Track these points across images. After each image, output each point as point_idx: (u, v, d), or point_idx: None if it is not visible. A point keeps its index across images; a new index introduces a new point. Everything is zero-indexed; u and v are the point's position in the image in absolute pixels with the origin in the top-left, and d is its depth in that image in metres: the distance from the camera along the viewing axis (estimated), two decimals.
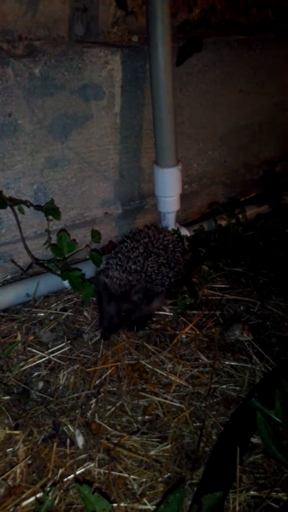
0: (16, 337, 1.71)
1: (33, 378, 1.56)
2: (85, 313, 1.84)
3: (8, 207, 1.77)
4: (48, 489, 1.20)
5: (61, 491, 1.22)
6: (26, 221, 1.90)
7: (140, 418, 1.42)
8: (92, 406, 1.45)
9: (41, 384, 1.54)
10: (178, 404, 1.45)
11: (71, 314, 1.84)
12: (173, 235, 2.00)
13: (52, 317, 1.82)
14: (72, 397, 1.49)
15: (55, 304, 1.89)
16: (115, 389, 1.52)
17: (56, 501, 1.19)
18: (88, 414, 1.43)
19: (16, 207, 1.78)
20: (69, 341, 1.70)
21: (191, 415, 1.42)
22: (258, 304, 1.87)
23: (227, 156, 2.51)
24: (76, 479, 1.24)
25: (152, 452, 1.32)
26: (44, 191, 1.92)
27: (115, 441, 1.34)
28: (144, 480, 1.25)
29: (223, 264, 2.10)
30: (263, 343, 1.69)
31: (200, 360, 1.62)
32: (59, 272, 1.82)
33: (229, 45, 2.23)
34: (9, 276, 2.00)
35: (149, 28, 1.72)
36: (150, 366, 1.59)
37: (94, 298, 1.80)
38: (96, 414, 1.43)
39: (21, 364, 1.60)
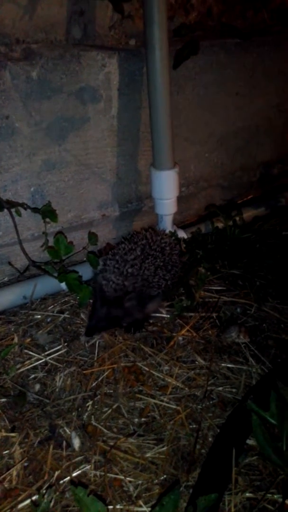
0: (13, 339, 1.71)
1: (29, 381, 1.57)
2: (82, 315, 1.84)
3: (5, 210, 1.78)
4: (44, 491, 1.20)
5: (57, 493, 1.22)
6: (23, 224, 1.91)
7: (136, 420, 1.42)
8: (89, 409, 1.46)
9: (37, 387, 1.54)
10: (174, 406, 1.46)
11: (68, 316, 1.84)
12: (171, 238, 2.00)
13: (49, 320, 1.83)
14: (68, 400, 1.49)
15: (52, 306, 1.89)
16: (112, 391, 1.52)
17: (52, 504, 1.19)
18: (85, 417, 1.43)
19: (13, 210, 1.78)
20: (66, 344, 1.70)
21: (187, 417, 1.42)
22: (255, 306, 1.88)
23: (224, 158, 2.52)
24: (71, 481, 1.24)
25: (148, 454, 1.32)
26: (42, 193, 1.93)
27: (111, 443, 1.35)
28: (140, 482, 1.25)
29: (220, 266, 2.11)
30: (260, 345, 1.70)
31: (196, 362, 1.62)
32: (56, 274, 1.83)
33: (225, 48, 2.24)
34: (6, 279, 2.00)
35: (146, 31, 1.72)
36: (146, 368, 1.59)
37: (91, 300, 1.80)
38: (92, 416, 1.43)
39: (17, 366, 1.61)
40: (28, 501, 1.20)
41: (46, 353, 1.66)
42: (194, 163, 2.40)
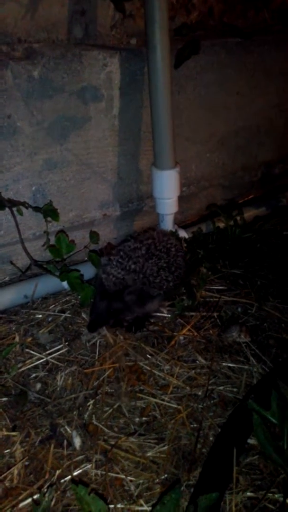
0: (14, 338, 1.71)
1: (30, 380, 1.57)
2: (83, 315, 1.84)
3: (7, 209, 1.78)
4: (45, 490, 1.20)
5: (58, 492, 1.22)
6: (25, 223, 1.91)
7: (137, 419, 1.42)
8: (90, 408, 1.46)
9: (38, 386, 1.54)
10: (175, 406, 1.46)
11: (69, 315, 1.84)
12: (177, 239, 1.99)
13: (50, 319, 1.83)
14: (69, 399, 1.49)
15: (53, 305, 1.89)
16: (113, 390, 1.52)
17: (52, 503, 1.19)
18: (86, 416, 1.43)
19: (14, 209, 1.78)
20: (67, 343, 1.70)
21: (188, 417, 1.42)
22: (256, 305, 1.88)
23: (225, 158, 2.52)
24: (72, 480, 1.25)
25: (149, 454, 1.32)
26: (43, 192, 1.93)
27: (112, 443, 1.35)
28: (141, 481, 1.25)
29: (221, 266, 2.11)
30: (261, 345, 1.70)
31: (197, 362, 1.62)
32: (57, 273, 1.83)
33: (226, 47, 2.24)
34: (7, 278, 2.01)
35: (147, 30, 1.73)
36: (148, 368, 1.59)
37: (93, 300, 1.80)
38: (93, 416, 1.43)
39: (19, 365, 1.61)
40: (29, 500, 1.20)
41: (47, 352, 1.66)
42: (195, 162, 2.40)
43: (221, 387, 1.52)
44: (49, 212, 1.84)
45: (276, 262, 2.13)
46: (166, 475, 1.26)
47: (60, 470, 1.28)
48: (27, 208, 1.82)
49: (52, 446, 1.34)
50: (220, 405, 1.46)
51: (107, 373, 1.57)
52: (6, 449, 1.33)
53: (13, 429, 1.39)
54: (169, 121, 1.88)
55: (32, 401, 1.49)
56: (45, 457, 1.32)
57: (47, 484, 1.24)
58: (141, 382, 1.54)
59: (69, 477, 1.26)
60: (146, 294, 1.67)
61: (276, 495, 1.21)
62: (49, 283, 1.90)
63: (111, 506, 1.18)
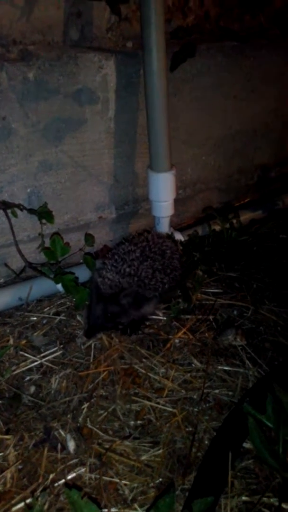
0: (8, 341, 1.70)
1: (24, 383, 1.55)
2: (78, 317, 1.83)
3: (1, 211, 1.77)
4: (38, 494, 1.19)
5: (52, 496, 1.21)
6: (19, 225, 1.90)
7: (132, 423, 1.41)
8: (84, 411, 1.45)
9: (32, 389, 1.53)
10: (170, 409, 1.45)
11: (64, 318, 1.83)
12: (172, 241, 1.98)
13: (44, 321, 1.82)
14: (64, 402, 1.48)
15: (48, 308, 1.88)
16: (108, 393, 1.51)
17: (46, 507, 1.18)
18: (80, 419, 1.42)
19: (9, 211, 1.78)
20: (61, 345, 1.69)
21: (183, 420, 1.41)
22: (252, 309, 1.87)
23: (222, 161, 2.52)
24: (66, 484, 1.23)
25: (144, 457, 1.31)
26: (38, 194, 1.92)
27: (107, 446, 1.34)
28: (135, 485, 1.24)
29: (216, 269, 2.10)
30: (256, 348, 1.69)
31: (193, 365, 1.61)
32: (52, 276, 1.82)
33: (223, 51, 2.24)
34: (2, 280, 2.00)
35: (143, 33, 1.73)
36: (143, 371, 1.58)
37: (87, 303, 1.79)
38: (88, 419, 1.42)
39: (13, 368, 1.59)
40: (22, 504, 1.18)
41: (42, 355, 1.65)
42: (191, 165, 2.40)
43: (217, 391, 1.51)
44: (44, 214, 1.84)
45: (272, 265, 2.13)
46: (160, 479, 1.25)
47: (54, 474, 1.26)
48: (21, 210, 1.81)
49: (46, 449, 1.33)
50: (215, 408, 1.45)
51: (102, 376, 1.56)
52: None
53: (7, 432, 1.38)
54: (165, 123, 1.87)
55: (26, 404, 1.48)
56: (39, 460, 1.30)
57: (41, 488, 1.23)
58: (136, 385, 1.53)
59: (63, 481, 1.25)
60: (142, 296, 1.66)
61: (271, 499, 1.20)
62: (44, 286, 1.89)
63: (105, 510, 1.17)
